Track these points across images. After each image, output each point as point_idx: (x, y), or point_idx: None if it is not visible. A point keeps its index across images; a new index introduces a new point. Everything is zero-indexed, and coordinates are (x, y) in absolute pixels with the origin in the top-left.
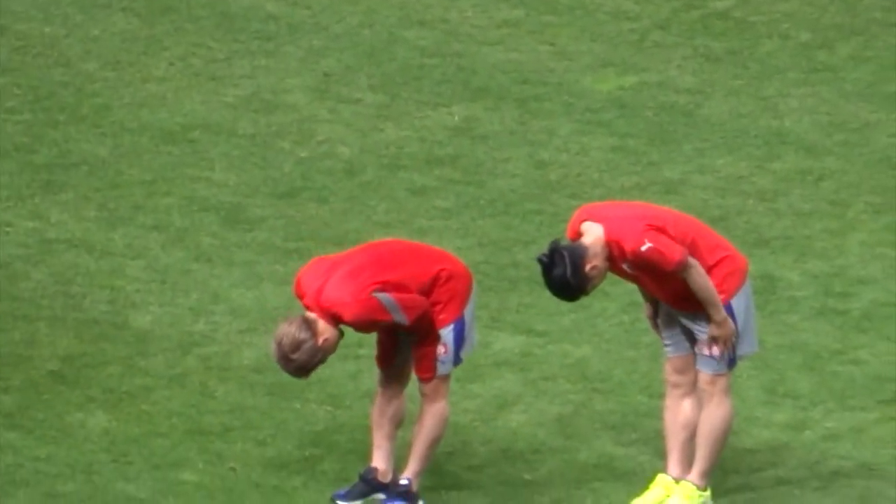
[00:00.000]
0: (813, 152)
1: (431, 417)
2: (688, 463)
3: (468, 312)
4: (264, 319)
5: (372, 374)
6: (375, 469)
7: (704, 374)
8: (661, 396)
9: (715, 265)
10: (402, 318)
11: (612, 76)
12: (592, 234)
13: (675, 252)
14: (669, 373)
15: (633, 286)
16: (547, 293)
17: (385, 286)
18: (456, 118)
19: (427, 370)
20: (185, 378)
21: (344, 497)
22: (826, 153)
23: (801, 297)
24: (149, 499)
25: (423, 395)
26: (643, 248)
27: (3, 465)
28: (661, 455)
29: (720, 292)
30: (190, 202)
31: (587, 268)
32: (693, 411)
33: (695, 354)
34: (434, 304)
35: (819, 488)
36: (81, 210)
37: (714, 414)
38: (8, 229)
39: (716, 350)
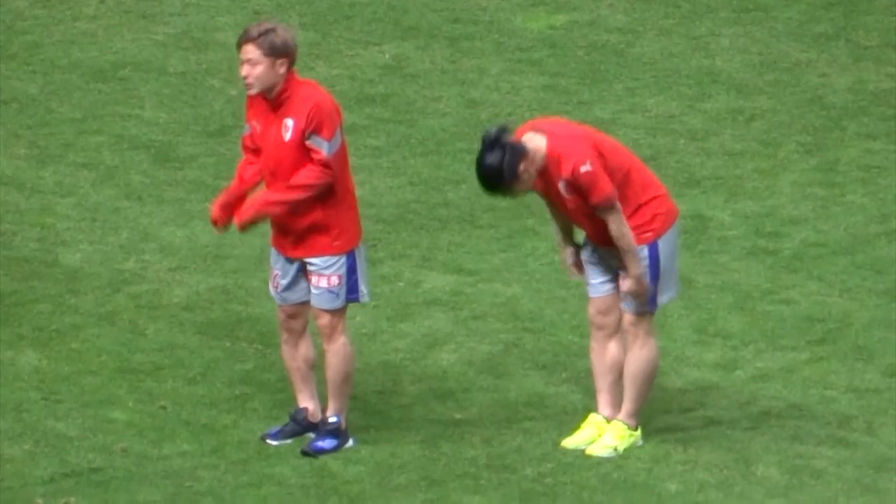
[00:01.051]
0: (744, 92)
1: (334, 356)
2: (617, 403)
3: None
4: (194, 257)
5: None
6: (305, 409)
7: (629, 314)
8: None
9: (646, 203)
10: None
11: (543, 15)
12: (534, 143)
13: (607, 186)
14: (593, 314)
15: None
16: (477, 233)
17: None
18: (387, 56)
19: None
20: (116, 316)
21: (275, 436)
22: (757, 93)
23: (731, 237)
24: (79, 436)
25: (322, 335)
26: (583, 169)
27: None
28: (591, 394)
29: (647, 231)
30: (120, 140)
31: (520, 167)
32: (619, 352)
33: (619, 294)
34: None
35: (750, 428)
36: (11, 148)
37: (639, 355)
38: None
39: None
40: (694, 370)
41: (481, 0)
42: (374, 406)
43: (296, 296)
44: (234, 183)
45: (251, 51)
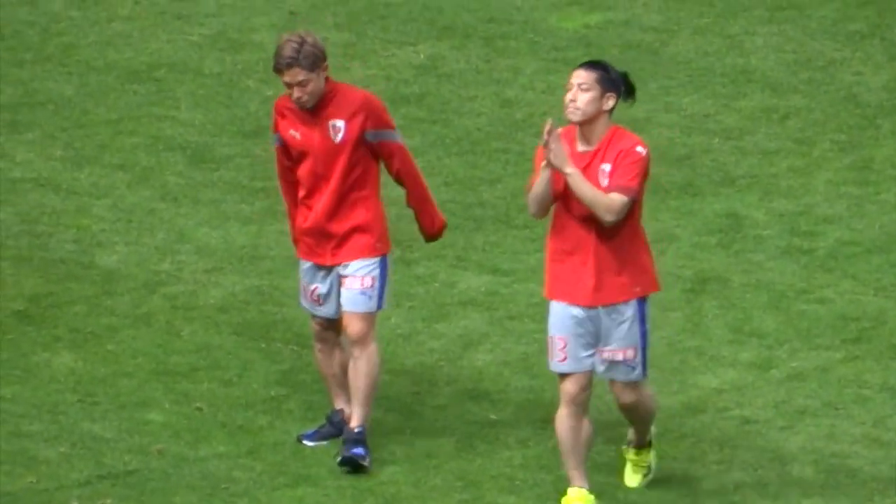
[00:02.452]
0: (778, 90)
1: (366, 362)
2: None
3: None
4: (230, 258)
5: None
6: (342, 411)
7: (630, 391)
8: None
9: (647, 253)
10: None
11: (578, 14)
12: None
13: (641, 180)
14: (573, 389)
15: None
16: (513, 233)
17: None
18: (422, 56)
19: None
20: (151, 318)
21: (311, 437)
22: (791, 91)
23: (766, 236)
24: (115, 438)
25: (353, 342)
26: (639, 149)
27: None
28: None
29: (637, 285)
30: (156, 141)
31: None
32: (590, 427)
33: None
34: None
35: (785, 427)
36: (47, 149)
37: (648, 396)
38: None
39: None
40: (729, 369)
41: (516, 0)
42: (409, 407)
43: (336, 307)
44: (293, 211)
45: (299, 73)
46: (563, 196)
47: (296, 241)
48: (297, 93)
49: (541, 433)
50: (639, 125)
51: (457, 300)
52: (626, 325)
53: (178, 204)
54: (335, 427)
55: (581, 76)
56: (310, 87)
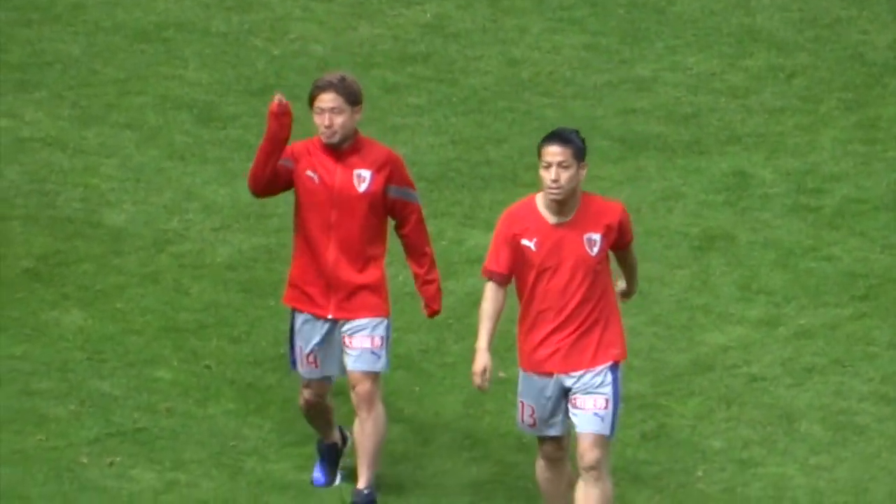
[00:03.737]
0: (784, 49)
1: (374, 423)
2: None
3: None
4: (238, 217)
5: None
6: (335, 444)
7: (593, 450)
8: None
9: (617, 316)
10: None
11: None
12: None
13: None
14: (554, 451)
15: (607, 184)
16: (519, 191)
17: None
18: (428, 16)
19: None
20: (159, 276)
21: (323, 475)
22: (798, 50)
23: (773, 194)
24: (123, 396)
25: (361, 402)
26: (623, 210)
27: None
28: (634, 352)
29: (615, 348)
30: (163, 100)
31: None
32: (570, 470)
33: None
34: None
35: (793, 385)
36: (55, 109)
37: (603, 491)
38: None
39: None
40: (737, 327)
41: None
42: (417, 365)
43: (333, 368)
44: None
45: (334, 99)
46: (538, 268)
47: (291, 289)
48: (327, 119)
49: None
50: (645, 84)
51: (464, 258)
52: (598, 379)
53: (186, 162)
54: (330, 450)
55: (559, 153)
56: (341, 120)
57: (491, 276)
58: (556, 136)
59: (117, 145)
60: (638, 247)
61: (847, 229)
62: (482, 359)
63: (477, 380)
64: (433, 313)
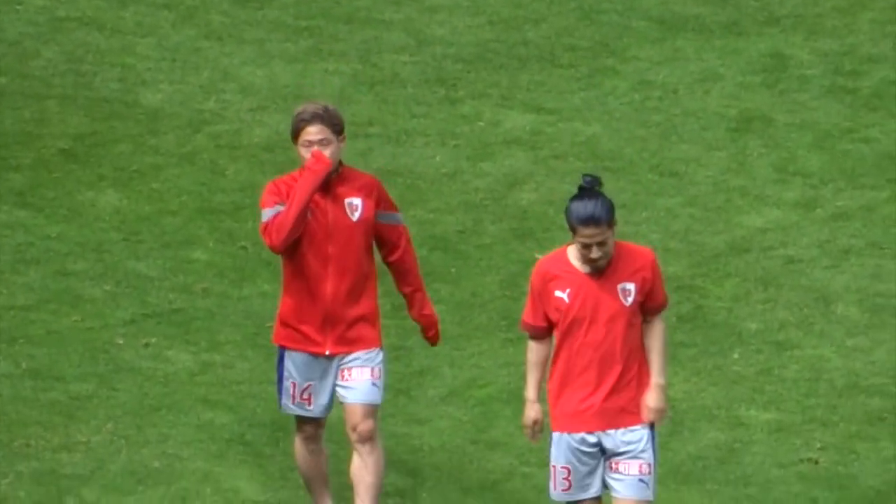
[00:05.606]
0: None
1: (377, 460)
2: None
3: None
4: (274, 97)
5: (381, 153)
6: None
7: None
8: (673, 175)
9: (648, 377)
10: None
11: None
12: None
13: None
14: None
15: (644, 65)
16: (557, 72)
17: None
18: None
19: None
20: (196, 156)
21: None
22: None
23: (811, 76)
24: (159, 277)
25: (362, 438)
26: (654, 258)
27: (14, 243)
28: (670, 234)
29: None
30: None
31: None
32: None
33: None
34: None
35: (830, 267)
36: None
37: None
38: (18, 7)
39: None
40: (774, 209)
41: None
42: (454, 246)
43: (328, 403)
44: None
45: (321, 131)
46: (572, 320)
47: (282, 328)
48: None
49: None
50: None
51: (501, 139)
52: (639, 442)
53: (223, 43)
54: None
55: (597, 234)
56: (329, 151)
57: (529, 329)
58: (591, 220)
59: (154, 25)
60: (674, 128)
61: (885, 111)
62: (532, 410)
63: (528, 432)
64: (436, 338)
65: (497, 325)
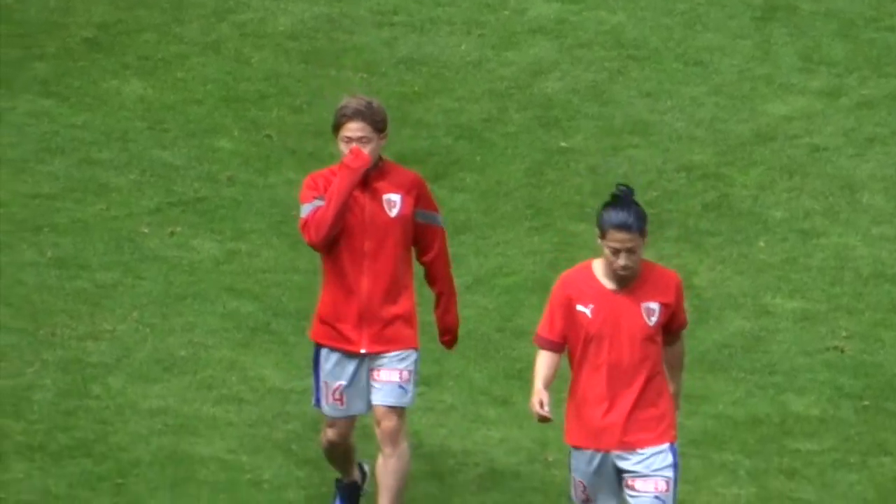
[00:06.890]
0: None
1: (400, 460)
2: None
3: None
4: None
5: (406, 42)
6: (355, 482)
7: None
8: (697, 63)
9: (669, 395)
10: None
11: None
12: None
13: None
14: None
15: None
16: None
17: None
18: None
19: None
20: (221, 45)
21: None
22: None
23: None
24: (184, 165)
25: (386, 438)
26: (678, 280)
27: (40, 132)
28: (695, 123)
29: (672, 427)
30: None
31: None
32: None
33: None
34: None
35: (855, 155)
36: None
37: None
38: None
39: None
40: (799, 97)
41: None
42: (479, 134)
43: (360, 405)
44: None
45: (362, 128)
46: (594, 337)
47: (319, 325)
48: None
49: (610, 160)
50: None
51: (526, 28)
52: (659, 460)
53: None
54: (350, 489)
55: (629, 240)
56: (369, 148)
57: (543, 343)
58: (624, 225)
59: None
60: (699, 16)
61: None
62: (537, 395)
63: (537, 413)
64: (451, 343)
65: (522, 213)
